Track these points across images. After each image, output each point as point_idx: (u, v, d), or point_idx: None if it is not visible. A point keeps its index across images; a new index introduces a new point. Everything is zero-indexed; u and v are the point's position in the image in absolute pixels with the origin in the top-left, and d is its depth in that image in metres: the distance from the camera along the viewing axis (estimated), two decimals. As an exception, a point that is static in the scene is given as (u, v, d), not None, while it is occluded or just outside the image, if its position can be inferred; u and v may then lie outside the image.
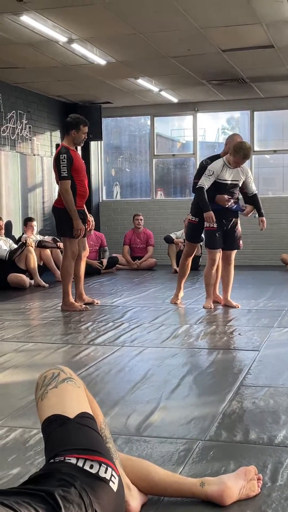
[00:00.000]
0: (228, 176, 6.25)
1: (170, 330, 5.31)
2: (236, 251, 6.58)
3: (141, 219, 10.76)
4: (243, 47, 7.62)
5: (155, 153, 11.89)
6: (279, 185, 12.09)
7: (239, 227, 6.55)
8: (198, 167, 6.87)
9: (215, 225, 6.30)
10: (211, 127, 12.15)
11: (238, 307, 6.42)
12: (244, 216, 6.64)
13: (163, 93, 10.35)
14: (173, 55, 7.96)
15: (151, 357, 4.42)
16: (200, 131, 11.80)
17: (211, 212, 6.18)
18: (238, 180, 6.31)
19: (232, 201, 6.33)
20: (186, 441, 2.79)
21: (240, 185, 6.37)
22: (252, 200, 6.49)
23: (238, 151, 6.08)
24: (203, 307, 6.43)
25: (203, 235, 6.78)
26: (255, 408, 3.26)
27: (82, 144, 6.75)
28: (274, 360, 4.27)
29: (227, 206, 6.27)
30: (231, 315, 6.07)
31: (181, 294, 6.88)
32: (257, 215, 6.51)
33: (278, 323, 5.53)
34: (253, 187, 6.47)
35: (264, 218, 6.48)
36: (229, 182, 6.27)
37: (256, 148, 11.34)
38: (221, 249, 6.45)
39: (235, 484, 2.21)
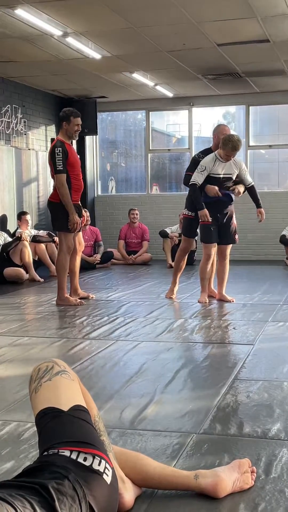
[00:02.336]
0: (221, 170, 6.24)
1: (165, 324, 5.32)
2: (231, 245, 6.57)
3: (136, 214, 10.76)
4: (239, 42, 7.60)
5: (151, 148, 11.87)
6: (274, 180, 12.09)
7: (234, 221, 6.54)
8: (190, 161, 6.87)
9: (210, 219, 6.30)
10: (206, 122, 12.12)
11: (232, 301, 6.43)
12: (237, 197, 6.51)
13: (158, 87, 10.33)
14: (169, 49, 7.94)
15: (145, 351, 4.43)
16: (196, 126, 11.78)
17: (205, 210, 6.18)
18: (231, 174, 6.29)
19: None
20: (181, 435, 2.79)
21: (234, 178, 6.35)
22: (249, 192, 6.48)
23: (226, 143, 6.08)
24: (198, 302, 6.44)
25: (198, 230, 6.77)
26: (249, 401, 3.26)
27: (77, 137, 6.73)
28: (269, 354, 4.28)
29: (217, 196, 6.22)
30: (226, 310, 6.07)
31: (176, 288, 6.88)
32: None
33: (272, 318, 5.54)
34: (249, 179, 6.45)
35: (262, 210, 6.46)
36: (221, 176, 6.26)
37: (251, 143, 11.34)
38: (216, 244, 6.45)
39: (229, 476, 2.22)
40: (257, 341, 4.64)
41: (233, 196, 6.38)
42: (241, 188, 6.37)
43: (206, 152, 6.47)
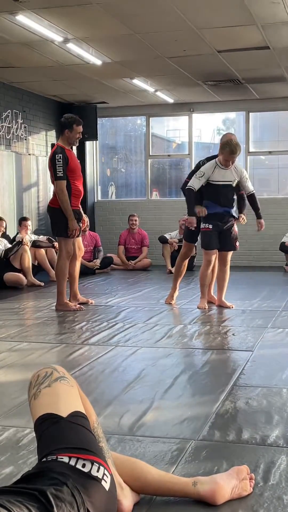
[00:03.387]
0: (221, 177, 6.25)
1: (164, 330, 5.32)
2: (232, 252, 6.57)
3: (135, 220, 10.76)
4: (239, 48, 7.63)
5: (151, 154, 11.89)
6: (274, 186, 12.11)
7: (235, 228, 6.55)
8: (194, 167, 6.88)
9: (210, 226, 6.32)
10: (206, 128, 12.17)
11: (232, 307, 6.43)
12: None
13: (158, 93, 10.36)
14: (169, 56, 7.96)
15: (145, 357, 4.43)
16: (196, 131, 11.81)
17: (194, 218, 6.24)
18: (231, 181, 6.30)
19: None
20: (179, 441, 2.79)
21: (234, 186, 6.36)
22: (249, 200, 6.49)
23: (224, 147, 6.10)
24: (198, 308, 6.44)
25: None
26: (248, 408, 3.26)
27: (77, 144, 6.75)
28: (268, 361, 4.28)
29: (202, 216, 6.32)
30: (225, 316, 6.07)
31: (176, 294, 6.88)
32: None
33: (272, 324, 5.54)
34: (250, 187, 6.45)
35: (262, 221, 6.46)
36: (221, 183, 6.27)
37: (251, 149, 11.36)
38: (217, 250, 6.45)
39: (228, 483, 2.22)
40: (256, 348, 4.64)
41: (235, 214, 6.44)
42: (244, 220, 6.56)
43: (211, 159, 6.45)
